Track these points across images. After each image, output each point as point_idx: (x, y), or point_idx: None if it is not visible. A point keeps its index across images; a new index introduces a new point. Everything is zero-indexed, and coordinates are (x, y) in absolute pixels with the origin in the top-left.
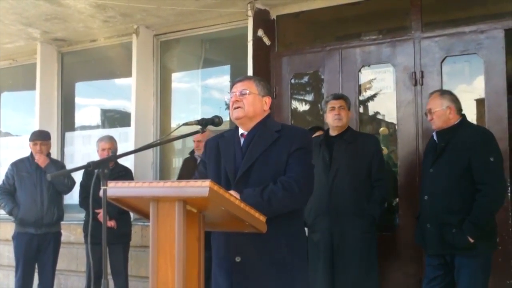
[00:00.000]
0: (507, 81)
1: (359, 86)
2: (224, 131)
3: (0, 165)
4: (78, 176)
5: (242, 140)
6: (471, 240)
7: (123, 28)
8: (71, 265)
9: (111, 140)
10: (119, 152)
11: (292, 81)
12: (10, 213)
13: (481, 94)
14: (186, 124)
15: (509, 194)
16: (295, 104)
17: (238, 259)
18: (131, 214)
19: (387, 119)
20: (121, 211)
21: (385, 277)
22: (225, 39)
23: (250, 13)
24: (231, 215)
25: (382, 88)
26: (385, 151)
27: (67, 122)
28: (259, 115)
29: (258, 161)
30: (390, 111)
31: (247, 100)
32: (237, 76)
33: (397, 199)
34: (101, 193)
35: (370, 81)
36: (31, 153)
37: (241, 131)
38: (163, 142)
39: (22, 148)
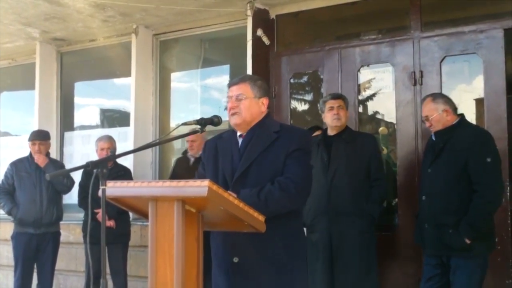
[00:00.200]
0: (506, 80)
1: (359, 85)
2: (223, 132)
3: None
4: (77, 176)
5: (240, 141)
6: (468, 241)
7: (122, 28)
8: (70, 265)
9: (110, 139)
10: (118, 151)
11: (292, 80)
12: (9, 213)
13: (480, 93)
14: (185, 124)
15: (508, 194)
16: (294, 103)
17: (236, 259)
18: (130, 214)
19: (386, 118)
20: (120, 211)
21: (384, 277)
22: (224, 38)
23: (249, 12)
24: (230, 214)
25: (381, 87)
26: (384, 151)
27: (66, 122)
28: (257, 118)
29: (256, 162)
30: (389, 110)
31: (243, 106)
32: (236, 75)
33: (396, 199)
34: (100, 192)
35: (370, 81)
36: (30, 153)
37: (239, 132)
38: (162, 141)
39: (22, 148)
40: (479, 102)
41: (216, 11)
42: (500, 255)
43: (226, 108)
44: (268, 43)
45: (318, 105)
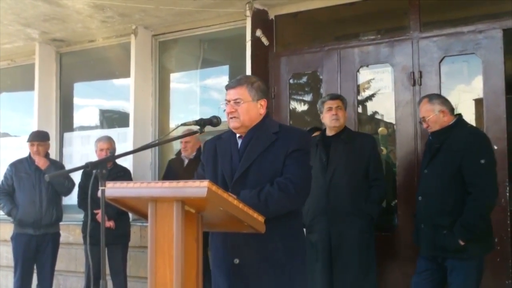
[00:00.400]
0: (505, 81)
1: (358, 86)
2: (222, 133)
3: None
4: (76, 177)
5: (239, 142)
6: (462, 243)
7: (121, 29)
8: (70, 265)
9: (109, 140)
10: (117, 152)
11: (291, 81)
12: (9, 214)
13: (479, 94)
14: (184, 124)
15: (507, 194)
16: (294, 104)
17: (236, 261)
18: (130, 215)
19: (385, 119)
20: (120, 212)
21: (384, 277)
22: (223, 39)
23: (248, 13)
24: (229, 215)
25: (380, 88)
26: (384, 151)
27: (66, 123)
28: (256, 120)
29: (255, 162)
30: (388, 111)
31: (241, 110)
32: (235, 76)
33: (396, 200)
34: (99, 193)
35: (369, 81)
36: (30, 154)
37: (238, 134)
38: (162, 142)
39: (21, 149)
40: (478, 103)
41: (215, 12)
42: (500, 256)
43: (224, 110)
44: (267, 44)
45: (317, 105)
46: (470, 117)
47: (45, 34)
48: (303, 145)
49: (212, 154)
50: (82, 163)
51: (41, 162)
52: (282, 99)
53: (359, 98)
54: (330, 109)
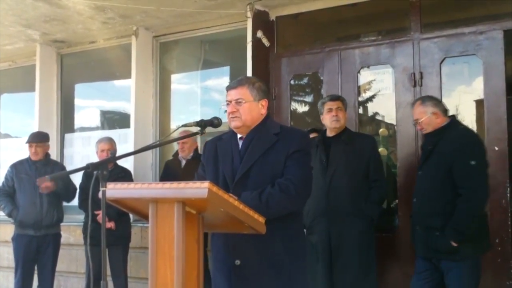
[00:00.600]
0: (506, 82)
1: (359, 87)
2: (223, 134)
3: None
4: (77, 178)
5: (240, 143)
6: (455, 245)
7: (122, 30)
8: (71, 266)
9: (110, 141)
10: (118, 153)
11: (292, 82)
12: (9, 215)
13: (480, 95)
14: (185, 125)
15: (508, 194)
16: (295, 105)
17: (237, 262)
18: (131, 216)
19: (386, 120)
20: (120, 213)
21: (385, 277)
22: (224, 40)
23: (249, 14)
24: (230, 216)
25: (381, 89)
26: (384, 152)
27: (67, 124)
28: (257, 120)
29: (256, 164)
30: (389, 112)
31: (243, 109)
32: (236, 77)
33: (397, 201)
34: (100, 194)
35: (369, 82)
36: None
37: (239, 134)
38: (163, 143)
39: (22, 150)
40: (479, 103)
41: (216, 13)
42: (500, 256)
43: (225, 111)
44: (268, 45)
45: (318, 106)
46: (470, 118)
47: (46, 35)
48: (303, 146)
49: (213, 155)
50: (83, 164)
51: (42, 185)
52: (283, 100)
53: (360, 99)
54: (330, 110)
